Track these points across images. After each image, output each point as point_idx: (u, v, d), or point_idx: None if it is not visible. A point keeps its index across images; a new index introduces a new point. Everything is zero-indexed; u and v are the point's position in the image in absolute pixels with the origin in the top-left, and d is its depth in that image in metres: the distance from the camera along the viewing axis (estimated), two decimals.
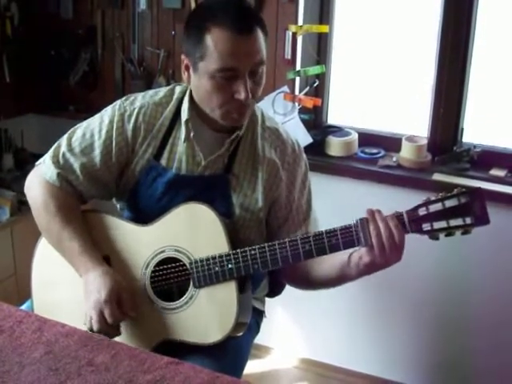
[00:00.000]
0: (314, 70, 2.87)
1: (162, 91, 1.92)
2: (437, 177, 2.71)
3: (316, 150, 2.90)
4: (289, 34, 2.85)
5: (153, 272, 1.79)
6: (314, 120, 3.07)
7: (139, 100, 1.89)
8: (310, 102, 2.85)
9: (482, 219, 1.56)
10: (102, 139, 1.85)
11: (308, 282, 1.90)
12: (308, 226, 1.92)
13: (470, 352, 2.88)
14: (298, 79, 2.95)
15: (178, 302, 1.77)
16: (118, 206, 2.02)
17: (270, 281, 2.12)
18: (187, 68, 1.78)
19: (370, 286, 2.99)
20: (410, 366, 3.04)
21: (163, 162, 1.85)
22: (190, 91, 1.85)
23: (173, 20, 3.10)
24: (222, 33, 1.66)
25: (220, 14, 1.69)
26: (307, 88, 2.94)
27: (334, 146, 2.93)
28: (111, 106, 1.91)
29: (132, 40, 3.23)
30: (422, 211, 1.59)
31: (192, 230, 1.77)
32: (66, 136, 1.91)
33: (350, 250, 1.69)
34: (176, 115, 1.86)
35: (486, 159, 2.75)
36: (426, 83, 2.87)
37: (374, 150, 2.93)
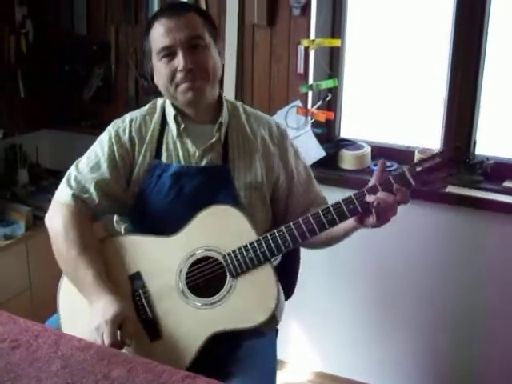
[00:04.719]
0: (327, 83, 2.89)
1: (146, 106, 2.11)
2: (450, 189, 2.70)
3: (329, 163, 2.91)
4: (301, 48, 2.87)
5: (187, 274, 1.85)
6: (327, 134, 3.08)
7: (127, 117, 2.07)
8: (322, 116, 2.86)
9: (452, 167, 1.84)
10: (105, 155, 1.99)
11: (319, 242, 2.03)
12: (314, 186, 2.12)
13: (483, 364, 2.86)
14: (310, 93, 2.96)
15: (218, 294, 1.82)
16: (123, 226, 2.10)
17: (281, 283, 2.15)
18: (155, 71, 2.01)
19: (384, 298, 2.99)
20: (425, 379, 3.03)
21: (164, 159, 2.00)
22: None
23: None
24: (158, 22, 1.93)
25: (158, 12, 2.03)
26: (320, 102, 2.95)
27: (347, 160, 2.93)
28: (105, 131, 2.07)
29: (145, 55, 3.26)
30: (418, 168, 1.82)
31: (217, 229, 1.87)
32: (73, 165, 2.04)
33: None
34: (163, 121, 2.04)
35: (499, 171, 2.73)
36: (438, 96, 2.88)
37: (387, 163, 2.93)
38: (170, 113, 2.01)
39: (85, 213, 1.95)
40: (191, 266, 1.85)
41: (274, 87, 2.99)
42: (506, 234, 2.66)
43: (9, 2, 3.26)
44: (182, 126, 1.99)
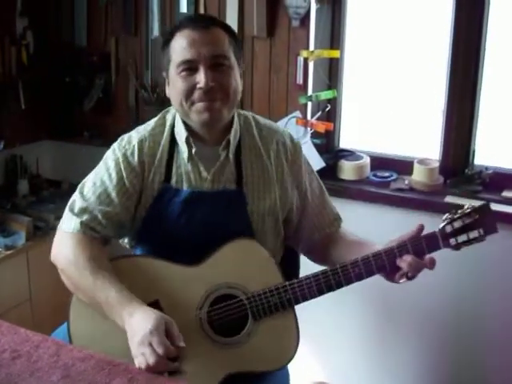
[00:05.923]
0: (326, 94, 2.90)
1: (154, 121, 1.97)
2: (449, 199, 2.71)
3: (328, 174, 2.91)
4: (300, 59, 2.88)
5: (209, 312, 1.80)
6: (326, 144, 3.08)
7: (135, 136, 1.92)
8: (322, 127, 2.87)
9: (493, 230, 1.81)
10: (114, 182, 1.87)
11: (324, 262, 1.99)
12: (327, 203, 2.07)
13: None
14: (309, 104, 2.97)
15: (239, 336, 1.79)
16: (127, 242, 2.03)
17: None
18: (168, 84, 1.89)
19: (387, 310, 2.98)
20: None
21: (173, 183, 1.88)
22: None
23: None
24: (182, 33, 1.80)
25: (182, 22, 1.85)
26: (319, 113, 2.96)
27: (347, 170, 2.94)
28: (110, 151, 1.94)
29: (145, 66, 3.28)
30: (448, 229, 1.78)
31: (242, 266, 1.82)
32: (77, 191, 1.92)
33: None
34: (172, 141, 1.90)
35: (498, 181, 2.75)
36: (437, 106, 2.89)
37: (386, 174, 2.94)
38: (181, 134, 1.88)
39: (95, 239, 1.85)
40: (212, 303, 1.80)
41: (273, 98, 3.00)
42: (506, 244, 2.66)
43: (10, 14, 3.28)
44: (194, 150, 1.86)
